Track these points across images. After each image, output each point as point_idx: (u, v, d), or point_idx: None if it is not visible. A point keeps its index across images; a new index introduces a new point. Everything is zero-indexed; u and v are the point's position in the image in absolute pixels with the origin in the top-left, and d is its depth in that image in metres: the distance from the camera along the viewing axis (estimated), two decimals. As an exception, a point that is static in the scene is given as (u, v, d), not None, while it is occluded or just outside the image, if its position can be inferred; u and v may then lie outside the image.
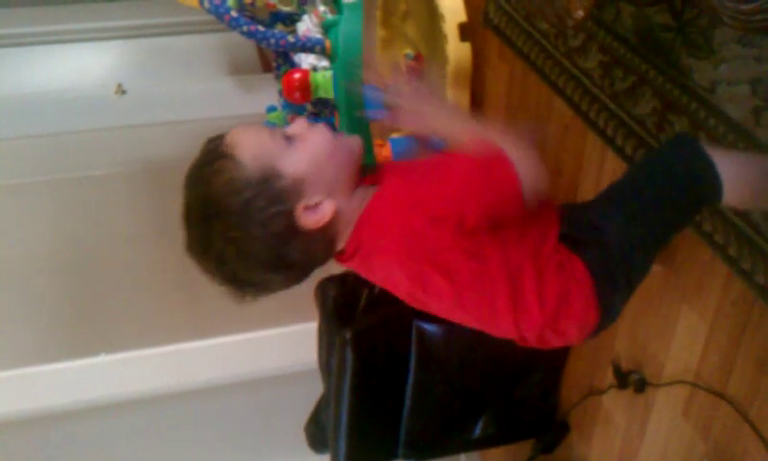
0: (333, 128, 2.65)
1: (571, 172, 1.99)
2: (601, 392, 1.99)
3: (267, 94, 3.19)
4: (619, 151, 1.75)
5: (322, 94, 2.48)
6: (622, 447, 1.95)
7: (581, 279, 1.16)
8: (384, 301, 1.97)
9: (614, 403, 1.95)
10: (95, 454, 2.92)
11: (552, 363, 2.17)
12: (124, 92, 3.86)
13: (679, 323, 1.64)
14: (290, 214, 1.08)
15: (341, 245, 1.18)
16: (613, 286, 1.20)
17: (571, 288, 1.16)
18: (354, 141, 1.20)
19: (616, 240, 1.19)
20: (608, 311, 1.20)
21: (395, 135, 2.76)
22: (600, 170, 1.86)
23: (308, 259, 1.15)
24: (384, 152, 2.54)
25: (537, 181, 1.09)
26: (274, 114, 2.81)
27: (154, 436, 2.96)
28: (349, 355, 1.93)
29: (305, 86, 2.46)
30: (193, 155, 1.13)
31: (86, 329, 3.18)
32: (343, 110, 2.42)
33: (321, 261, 1.17)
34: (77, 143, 3.76)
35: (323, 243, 1.14)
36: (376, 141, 2.52)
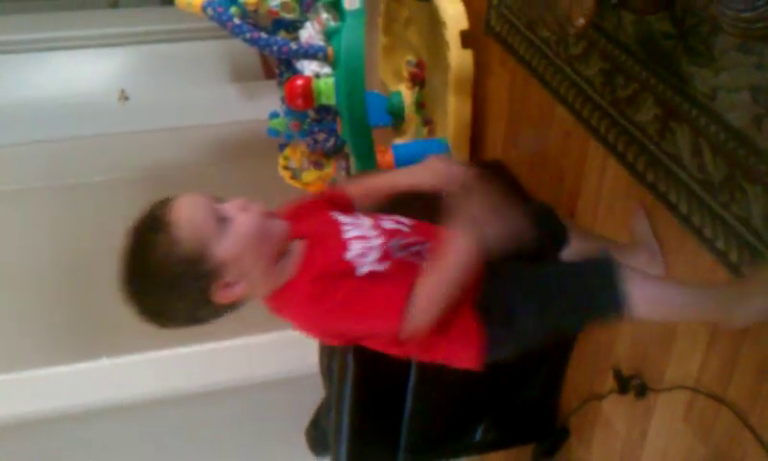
0: (335, 135, 2.67)
1: (573, 179, 2.00)
2: (601, 397, 2.00)
3: (269, 101, 3.19)
4: (621, 158, 1.76)
5: (324, 101, 2.49)
6: (622, 452, 1.96)
7: (473, 347, 1.36)
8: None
9: (615, 408, 1.96)
10: (95, 458, 2.92)
11: (553, 368, 2.17)
12: (127, 99, 3.87)
13: (680, 328, 1.65)
14: (207, 290, 1.26)
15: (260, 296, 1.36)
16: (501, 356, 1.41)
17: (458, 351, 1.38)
18: (279, 227, 1.34)
19: (522, 330, 1.37)
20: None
21: (397, 141, 2.78)
22: (601, 177, 1.87)
23: (217, 317, 1.33)
24: (387, 158, 2.55)
25: (421, 326, 1.25)
26: (276, 121, 2.83)
27: (154, 440, 2.96)
28: (350, 360, 1.94)
29: (308, 93, 2.47)
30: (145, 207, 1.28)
31: (87, 333, 3.19)
32: (345, 117, 2.43)
33: (232, 312, 1.35)
34: (79, 149, 3.76)
35: (231, 308, 1.33)
36: (379, 148, 2.54)
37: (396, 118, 2.78)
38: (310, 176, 2.75)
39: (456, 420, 2.20)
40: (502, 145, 2.44)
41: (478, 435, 2.22)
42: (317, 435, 2.41)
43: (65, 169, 3.74)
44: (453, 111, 2.50)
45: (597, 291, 1.32)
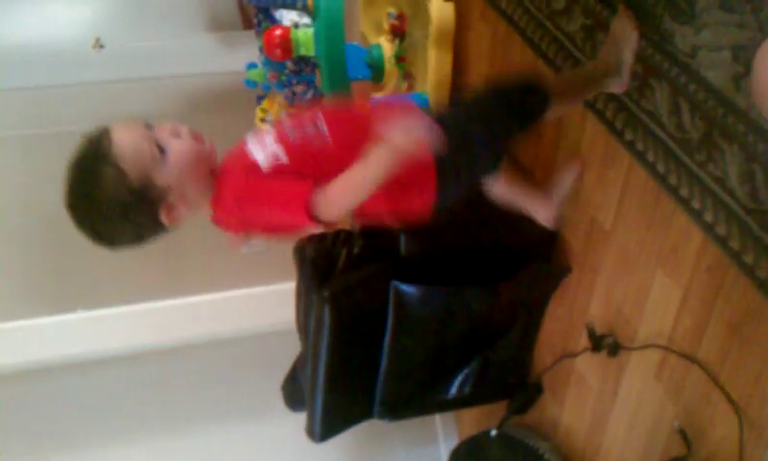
0: (314, 87, 2.63)
1: (551, 136, 1.99)
2: (575, 355, 2.01)
3: (247, 51, 3.14)
4: (600, 115, 1.74)
5: (303, 52, 2.45)
6: (594, 408, 1.98)
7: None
8: (362, 261, 1.97)
9: (588, 366, 1.98)
10: (70, 411, 2.92)
11: (527, 325, 2.19)
12: (102, 47, 3.79)
13: (653, 287, 1.66)
14: (154, 214, 1.36)
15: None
16: (455, 179, 1.52)
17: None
18: (208, 147, 1.43)
19: (461, 132, 1.48)
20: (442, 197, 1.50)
21: (376, 95, 2.74)
22: (581, 133, 1.86)
23: (162, 233, 1.42)
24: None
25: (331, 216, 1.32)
26: (254, 72, 2.78)
27: (128, 394, 2.96)
28: (327, 315, 1.93)
29: (286, 44, 2.43)
30: (84, 134, 1.34)
31: (63, 286, 3.17)
32: (324, 69, 2.39)
33: (171, 230, 1.43)
34: (53, 98, 3.70)
35: (174, 227, 1.42)
36: (358, 101, 2.50)
37: (376, 71, 2.74)
38: (288, 129, 2.71)
39: (431, 376, 2.21)
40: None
41: (452, 391, 2.24)
42: (293, 390, 2.41)
43: (38, 118, 3.68)
44: (434, 65, 2.47)
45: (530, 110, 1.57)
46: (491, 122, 1.52)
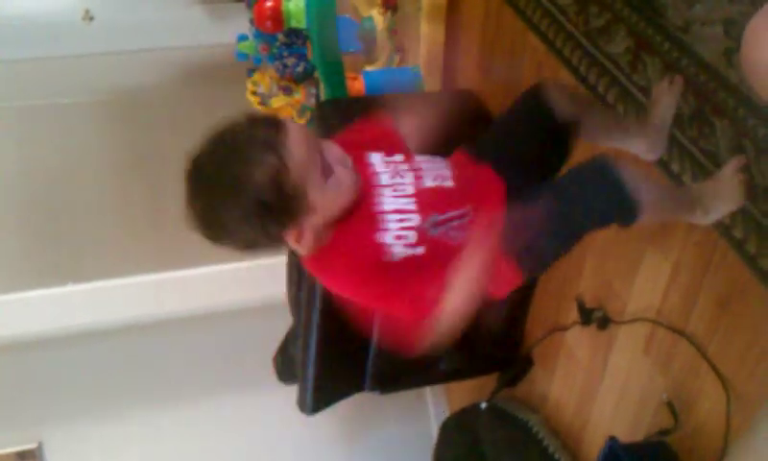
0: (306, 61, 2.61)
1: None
2: (565, 328, 2.03)
3: (238, 23, 3.11)
4: (592, 89, 1.74)
5: (294, 24, 2.43)
6: (584, 381, 2.00)
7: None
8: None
9: (577, 339, 1.99)
10: (60, 383, 2.92)
11: (517, 299, 2.19)
12: (92, 18, 3.75)
13: (643, 262, 1.67)
14: (283, 227, 1.18)
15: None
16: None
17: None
18: (360, 183, 1.26)
19: (546, 258, 1.37)
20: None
21: (368, 68, 2.73)
22: (572, 108, 1.85)
23: (263, 254, 1.24)
24: (357, 85, 2.51)
25: (445, 336, 1.17)
26: (245, 44, 2.75)
27: (120, 367, 2.96)
28: (318, 289, 1.94)
29: (277, 16, 2.41)
30: (248, 114, 1.17)
31: (53, 259, 3.15)
32: (315, 42, 2.37)
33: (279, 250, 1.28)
34: (42, 70, 3.66)
35: (282, 250, 1.27)
36: (349, 75, 2.49)
37: (368, 44, 2.72)
38: (279, 101, 2.70)
39: (422, 349, 2.22)
40: (474, 74, 2.41)
41: (443, 364, 2.25)
42: (284, 363, 2.42)
43: (27, 90, 3.64)
44: (426, 39, 2.46)
45: (607, 208, 1.28)
46: (565, 240, 1.34)
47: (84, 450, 2.96)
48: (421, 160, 1.39)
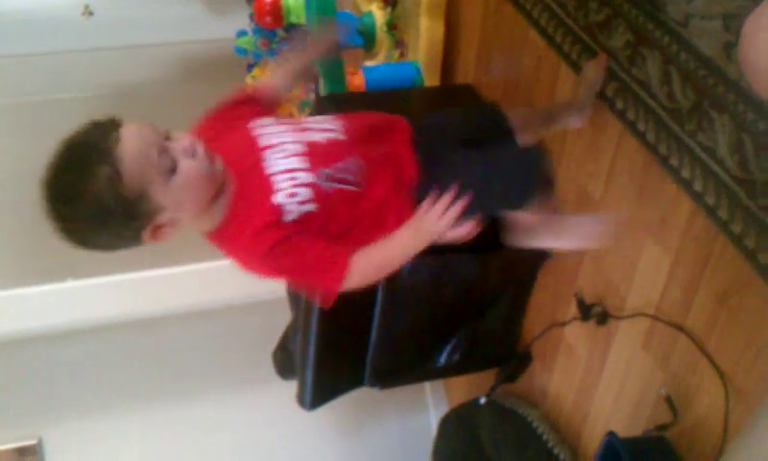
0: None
1: (543, 104, 1.98)
2: (564, 323, 2.02)
3: (238, 18, 3.11)
4: (591, 84, 1.74)
5: (293, 19, 2.43)
6: (583, 377, 2.00)
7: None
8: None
9: (576, 335, 1.99)
10: (60, 380, 2.92)
11: (516, 294, 2.19)
12: (91, 13, 3.74)
13: (642, 257, 1.66)
14: (138, 230, 1.20)
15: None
16: None
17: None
18: (219, 170, 1.27)
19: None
20: None
21: (368, 63, 2.72)
22: (571, 103, 1.85)
23: (134, 248, 1.25)
24: (356, 80, 2.50)
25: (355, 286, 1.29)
26: (244, 39, 2.75)
27: (120, 363, 2.96)
28: (317, 284, 1.94)
29: (277, 11, 2.41)
30: (93, 119, 1.19)
31: (52, 255, 3.14)
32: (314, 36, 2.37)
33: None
34: (42, 65, 3.66)
35: (151, 243, 1.26)
36: (348, 69, 2.49)
37: (367, 39, 2.72)
38: (278, 97, 2.70)
39: (421, 344, 2.22)
40: (474, 70, 2.41)
41: (442, 360, 2.25)
42: (284, 358, 2.42)
43: (26, 86, 3.64)
44: (425, 34, 2.45)
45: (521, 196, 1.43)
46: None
47: (84, 447, 2.96)
48: (308, 119, 1.45)
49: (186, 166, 1.20)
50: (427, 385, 3.22)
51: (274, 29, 2.59)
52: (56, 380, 2.92)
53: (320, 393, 2.22)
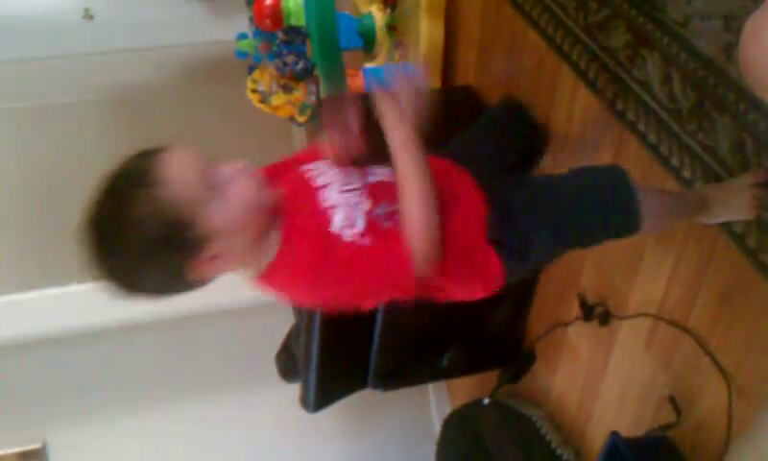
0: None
1: (544, 106, 1.98)
2: (566, 324, 2.03)
3: (238, 21, 3.10)
4: (591, 85, 1.74)
5: (293, 22, 2.42)
6: (586, 377, 2.00)
7: (494, 277, 1.29)
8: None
9: (579, 335, 1.99)
10: (66, 383, 2.93)
11: (519, 295, 2.19)
12: (92, 17, 3.74)
13: (644, 257, 1.66)
14: (188, 261, 1.09)
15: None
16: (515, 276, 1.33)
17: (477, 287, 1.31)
18: (271, 197, 1.18)
19: (538, 255, 1.33)
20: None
21: (368, 65, 2.72)
22: (572, 104, 1.85)
23: (190, 291, 1.16)
24: (357, 82, 2.50)
25: (429, 253, 1.15)
26: (244, 42, 2.75)
27: (124, 367, 2.97)
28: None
29: (276, 13, 2.40)
30: (137, 151, 1.10)
31: (56, 259, 3.15)
32: (315, 39, 2.37)
33: (202, 288, 1.18)
34: (43, 70, 3.66)
35: (204, 284, 1.16)
36: (349, 71, 2.49)
37: (368, 41, 2.72)
38: (279, 99, 2.69)
39: (424, 345, 2.23)
40: (474, 71, 2.41)
41: (445, 360, 2.25)
42: (287, 360, 2.42)
43: (28, 90, 3.64)
44: (425, 35, 2.46)
45: (613, 216, 1.31)
46: (562, 242, 1.34)
47: (88, 450, 2.97)
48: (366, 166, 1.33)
49: (235, 189, 1.12)
50: (430, 386, 3.22)
51: (274, 32, 2.58)
52: (60, 384, 2.93)
53: (323, 395, 2.22)
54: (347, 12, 2.79)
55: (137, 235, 1.05)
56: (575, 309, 1.97)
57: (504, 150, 1.47)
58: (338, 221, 1.18)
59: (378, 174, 1.28)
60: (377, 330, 2.10)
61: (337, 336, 2.08)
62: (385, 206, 1.22)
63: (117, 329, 2.86)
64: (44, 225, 3.30)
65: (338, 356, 2.14)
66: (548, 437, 2.15)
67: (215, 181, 1.10)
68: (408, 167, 1.15)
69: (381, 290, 1.21)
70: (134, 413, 2.98)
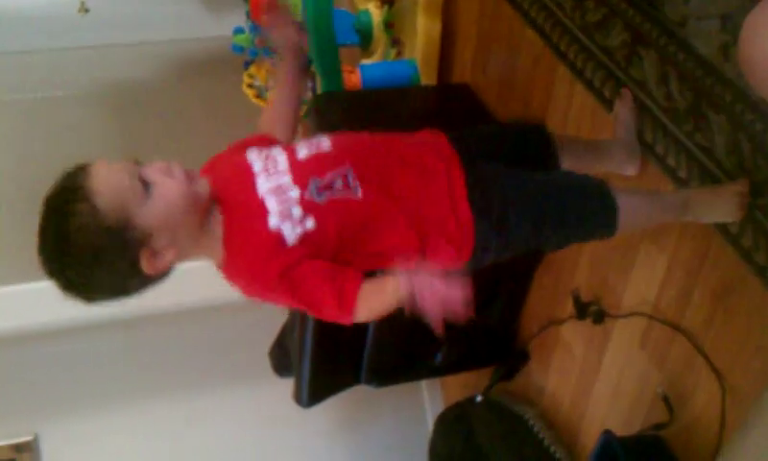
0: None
1: (540, 104, 1.98)
2: (560, 322, 2.03)
3: (234, 15, 3.10)
4: (588, 84, 1.74)
5: (290, 17, 2.41)
6: (579, 375, 2.00)
7: (463, 248, 1.34)
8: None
9: (573, 334, 1.99)
10: (60, 376, 2.92)
11: (513, 293, 2.20)
12: (87, 11, 3.72)
13: (639, 256, 1.67)
14: (135, 261, 1.17)
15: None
16: (488, 255, 1.38)
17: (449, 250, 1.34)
18: (203, 188, 1.25)
19: (517, 239, 1.37)
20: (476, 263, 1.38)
21: (365, 62, 2.72)
22: (569, 103, 1.85)
23: (148, 287, 1.24)
24: (353, 79, 2.50)
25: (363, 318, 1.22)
26: (241, 37, 2.75)
27: (116, 360, 2.96)
28: (314, 282, 1.93)
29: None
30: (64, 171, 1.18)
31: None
32: (312, 35, 2.37)
33: (160, 282, 1.25)
34: (38, 63, 3.65)
35: (160, 277, 1.24)
36: (345, 67, 2.48)
37: (364, 38, 2.72)
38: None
39: (418, 342, 2.22)
40: (471, 69, 2.41)
41: (439, 358, 2.25)
42: (281, 355, 2.42)
43: (22, 83, 3.63)
44: (422, 32, 2.45)
45: (592, 215, 1.40)
46: (540, 227, 1.38)
47: (81, 443, 2.96)
48: (296, 142, 1.40)
49: (162, 185, 1.19)
50: (424, 383, 3.22)
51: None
52: (52, 377, 2.91)
53: (316, 390, 2.21)
54: (344, 9, 2.79)
55: (81, 246, 1.13)
56: (569, 308, 1.97)
57: (513, 152, 1.51)
58: (274, 214, 1.22)
59: (305, 147, 1.34)
60: (371, 326, 2.10)
61: (331, 332, 2.08)
62: (316, 182, 1.27)
63: (110, 323, 2.85)
64: (33, 217, 3.29)
65: (332, 352, 2.14)
66: (541, 435, 2.16)
67: (144, 182, 1.17)
68: (387, 294, 1.20)
69: (313, 311, 1.25)
70: (127, 407, 2.97)
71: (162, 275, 1.23)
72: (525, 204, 1.36)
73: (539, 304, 2.17)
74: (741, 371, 1.41)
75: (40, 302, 2.74)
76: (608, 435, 1.59)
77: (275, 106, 1.51)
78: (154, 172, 1.20)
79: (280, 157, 1.32)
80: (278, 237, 1.21)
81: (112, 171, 1.17)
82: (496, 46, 2.22)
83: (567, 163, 1.55)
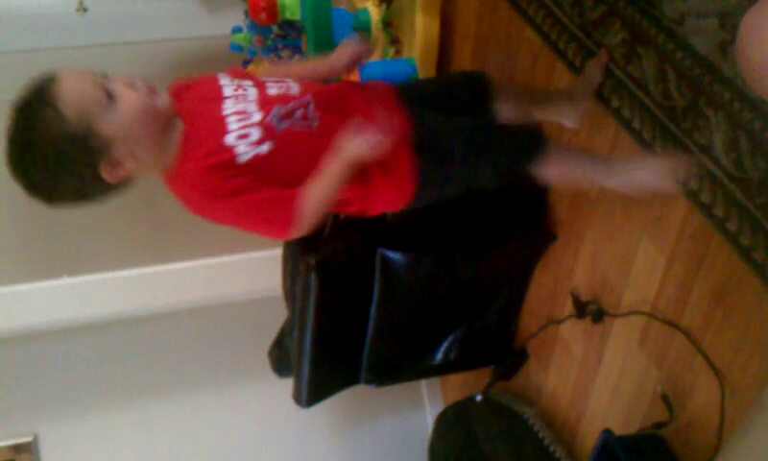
0: (299, 47, 2.60)
1: (536, 100, 1.97)
2: (560, 321, 2.03)
3: (233, 14, 3.10)
4: (587, 82, 1.73)
5: (288, 16, 2.42)
6: (578, 374, 2.00)
7: (405, 184, 1.42)
8: (348, 228, 1.97)
9: (572, 333, 1.99)
10: (55, 377, 2.92)
11: (512, 292, 2.19)
12: (85, 10, 3.72)
13: (638, 255, 1.67)
14: (96, 167, 1.25)
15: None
16: (430, 192, 1.47)
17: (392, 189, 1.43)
18: (164, 102, 1.32)
19: (455, 174, 1.47)
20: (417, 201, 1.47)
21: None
22: (567, 101, 1.85)
23: (108, 194, 1.31)
24: (352, 77, 2.49)
25: (307, 219, 1.30)
26: (239, 36, 2.74)
27: (114, 360, 2.96)
28: (313, 281, 1.93)
29: (272, 7, 2.40)
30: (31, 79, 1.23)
31: (48, 252, 3.14)
32: (310, 33, 2.36)
33: (121, 192, 1.33)
34: (36, 62, 3.61)
35: (120, 187, 1.32)
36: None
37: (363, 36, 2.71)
38: (274, 94, 2.69)
39: (417, 342, 2.22)
40: (469, 67, 2.40)
41: (438, 357, 2.25)
42: (280, 356, 2.42)
43: (20, 83, 3.61)
44: (421, 30, 2.45)
45: (521, 149, 1.52)
46: (475, 160, 1.48)
47: (80, 443, 2.96)
48: (267, 80, 1.46)
49: (126, 96, 1.25)
50: (423, 383, 3.22)
51: (269, 26, 2.58)
52: (51, 377, 2.92)
53: (316, 390, 2.21)
54: (342, 8, 2.78)
55: (44, 150, 1.21)
56: (568, 307, 1.97)
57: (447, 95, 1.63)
58: (233, 130, 1.29)
59: (275, 87, 1.42)
60: (370, 326, 2.10)
61: (330, 331, 2.08)
62: (278, 110, 1.35)
63: (109, 323, 2.86)
64: (35, 217, 3.29)
65: (331, 351, 2.14)
66: (540, 434, 2.15)
67: (109, 93, 1.24)
68: (329, 174, 1.30)
69: (258, 226, 1.33)
70: (125, 407, 2.97)
71: (122, 183, 1.30)
72: (463, 140, 1.46)
73: (538, 304, 2.17)
74: (740, 369, 1.41)
75: (40, 302, 2.76)
76: (607, 434, 1.59)
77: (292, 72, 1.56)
78: (117, 84, 1.26)
79: (251, 89, 1.39)
80: (231, 152, 1.27)
81: (79, 81, 1.23)
82: (495, 44, 2.22)
83: (505, 106, 1.66)
